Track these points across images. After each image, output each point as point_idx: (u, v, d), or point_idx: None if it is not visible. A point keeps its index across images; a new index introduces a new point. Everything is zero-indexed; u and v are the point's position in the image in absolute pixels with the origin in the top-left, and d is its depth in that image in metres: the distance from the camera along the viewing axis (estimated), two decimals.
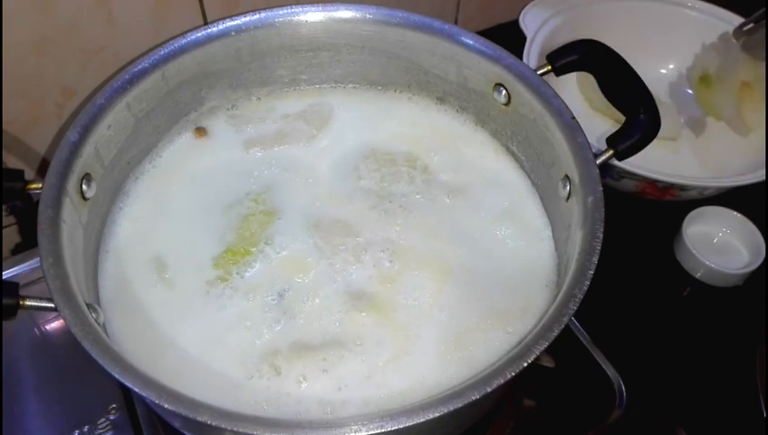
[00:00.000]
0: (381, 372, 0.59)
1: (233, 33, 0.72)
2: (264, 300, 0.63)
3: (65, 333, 0.53)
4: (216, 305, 0.63)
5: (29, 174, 0.72)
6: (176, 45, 0.69)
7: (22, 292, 0.52)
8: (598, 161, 0.61)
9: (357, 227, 0.68)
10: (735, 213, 0.85)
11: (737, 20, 0.97)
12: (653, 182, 0.82)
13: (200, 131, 0.76)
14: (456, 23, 1.05)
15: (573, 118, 0.64)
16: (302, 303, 0.63)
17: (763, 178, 0.80)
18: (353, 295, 0.64)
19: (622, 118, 0.65)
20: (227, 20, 0.71)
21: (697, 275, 0.83)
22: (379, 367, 0.59)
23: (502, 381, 0.49)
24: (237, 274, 0.65)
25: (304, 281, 0.65)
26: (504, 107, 0.72)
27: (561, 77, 0.70)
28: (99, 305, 0.61)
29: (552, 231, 0.69)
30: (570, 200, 0.63)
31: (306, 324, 0.62)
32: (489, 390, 0.48)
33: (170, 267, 0.66)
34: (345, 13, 0.73)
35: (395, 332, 0.62)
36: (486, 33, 0.71)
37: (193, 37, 0.70)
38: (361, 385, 0.58)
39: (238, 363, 0.60)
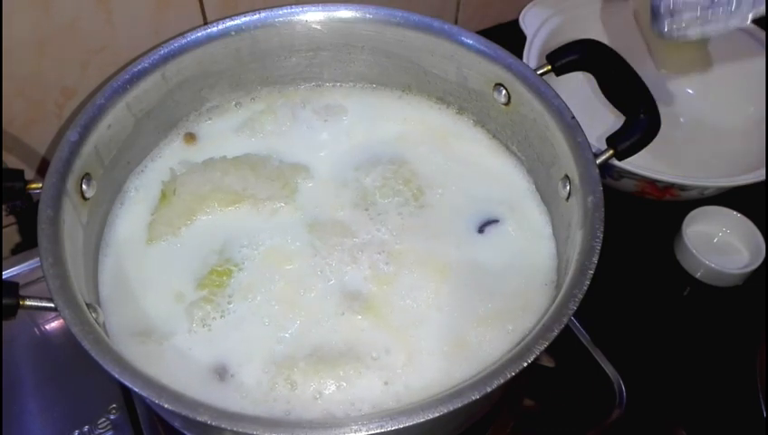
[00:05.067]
0: (398, 378, 0.59)
1: (233, 33, 0.72)
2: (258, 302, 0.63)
3: (65, 333, 0.53)
4: (217, 311, 0.63)
5: (29, 174, 0.72)
6: (176, 45, 0.69)
7: (22, 292, 0.52)
8: (598, 161, 0.61)
9: (353, 228, 0.68)
10: (735, 213, 0.85)
11: None
12: (653, 182, 0.82)
13: (189, 138, 0.75)
14: (455, 22, 1.05)
15: (573, 118, 0.64)
16: (299, 297, 0.63)
17: (763, 178, 0.80)
18: (349, 296, 0.64)
19: None
20: (227, 20, 0.71)
21: (697, 275, 0.83)
22: (395, 374, 0.59)
23: (502, 381, 0.49)
24: (228, 287, 0.64)
25: (292, 269, 0.65)
26: (503, 107, 0.72)
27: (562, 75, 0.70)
28: (98, 305, 0.61)
29: (552, 231, 0.69)
30: (570, 200, 0.63)
31: (306, 329, 0.62)
32: (489, 390, 0.48)
33: (170, 269, 0.66)
34: (345, 13, 0.73)
35: (396, 336, 0.61)
36: (486, 33, 0.71)
37: (193, 37, 0.70)
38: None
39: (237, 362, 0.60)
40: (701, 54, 0.87)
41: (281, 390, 0.58)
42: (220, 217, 0.69)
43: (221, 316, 0.62)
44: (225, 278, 0.64)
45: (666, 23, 0.75)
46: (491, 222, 0.70)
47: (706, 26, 0.74)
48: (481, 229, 0.69)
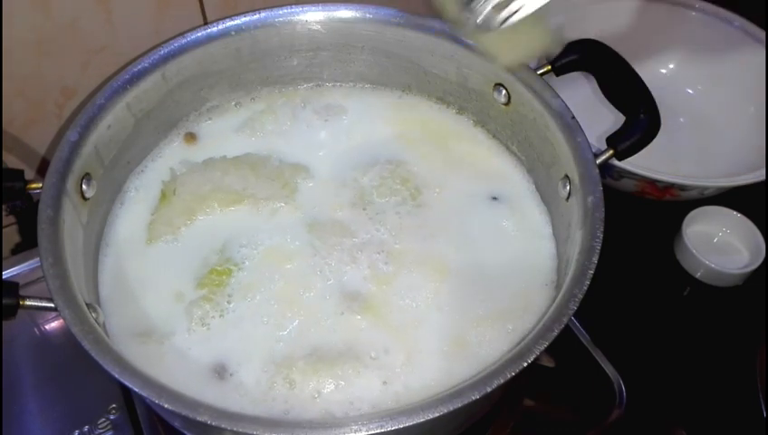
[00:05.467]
0: (397, 378, 0.59)
1: (233, 33, 0.72)
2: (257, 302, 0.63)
3: (65, 333, 0.54)
4: (215, 311, 0.63)
5: (29, 174, 0.72)
6: (176, 45, 0.69)
7: (22, 292, 0.52)
8: (598, 161, 0.61)
9: (353, 228, 0.68)
10: (735, 213, 0.85)
11: (737, 20, 0.97)
12: (653, 182, 0.82)
13: (189, 137, 0.75)
14: None
15: (573, 118, 0.64)
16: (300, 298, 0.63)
17: (763, 178, 0.80)
18: (348, 296, 0.64)
19: None
20: (227, 20, 0.71)
21: (697, 275, 0.83)
22: (394, 374, 0.59)
23: (501, 381, 0.49)
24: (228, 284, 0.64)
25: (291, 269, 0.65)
26: (503, 107, 0.72)
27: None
28: (98, 304, 0.61)
29: (552, 231, 0.69)
30: (570, 200, 0.63)
31: (305, 328, 0.62)
32: (489, 390, 0.48)
33: (170, 268, 0.66)
34: (345, 13, 0.73)
35: (396, 336, 0.61)
36: None
37: (193, 37, 0.70)
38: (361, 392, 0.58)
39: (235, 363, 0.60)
40: (537, 32, 0.76)
41: (279, 389, 0.58)
42: (220, 217, 0.69)
43: (220, 315, 0.62)
44: (224, 278, 0.64)
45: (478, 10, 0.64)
46: (490, 221, 0.70)
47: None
48: (479, 229, 0.69)
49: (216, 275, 0.64)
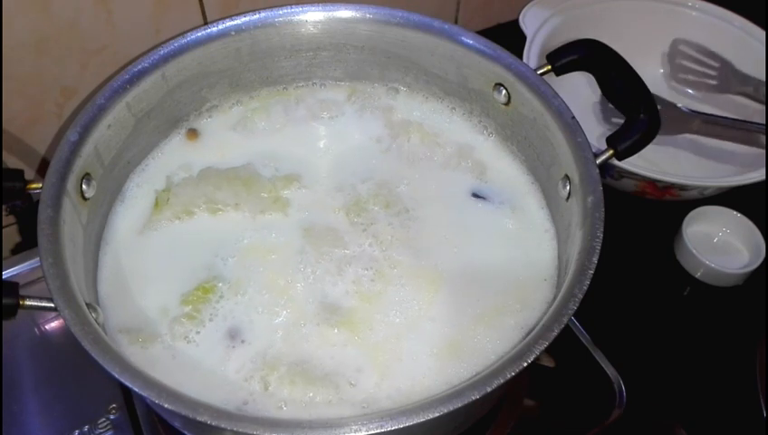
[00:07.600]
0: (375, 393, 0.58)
1: (233, 33, 0.72)
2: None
3: (65, 333, 0.54)
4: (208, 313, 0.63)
5: (29, 174, 0.72)
6: (176, 45, 0.69)
7: (22, 292, 0.52)
8: (598, 161, 0.61)
9: (347, 237, 0.67)
10: (735, 213, 0.85)
11: (737, 20, 0.97)
12: (653, 182, 0.82)
13: (191, 134, 0.75)
14: (456, 22, 1.05)
15: (573, 118, 0.64)
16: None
17: (763, 178, 0.80)
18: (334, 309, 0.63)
19: None
20: (227, 20, 0.71)
21: (697, 275, 0.83)
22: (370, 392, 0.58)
23: (501, 381, 0.49)
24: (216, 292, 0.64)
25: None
26: (503, 107, 0.72)
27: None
28: (98, 304, 0.61)
29: (553, 230, 0.69)
30: (570, 200, 0.63)
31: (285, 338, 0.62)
32: (489, 390, 0.48)
33: (166, 271, 0.66)
34: (345, 12, 0.73)
35: (376, 355, 0.60)
36: (486, 33, 0.71)
37: (193, 37, 0.70)
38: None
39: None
40: None
41: (254, 385, 0.58)
42: (211, 226, 0.69)
43: (210, 319, 0.62)
44: (213, 285, 0.64)
45: None
46: (489, 222, 0.70)
47: None
48: (478, 229, 0.69)
49: (203, 291, 0.64)
